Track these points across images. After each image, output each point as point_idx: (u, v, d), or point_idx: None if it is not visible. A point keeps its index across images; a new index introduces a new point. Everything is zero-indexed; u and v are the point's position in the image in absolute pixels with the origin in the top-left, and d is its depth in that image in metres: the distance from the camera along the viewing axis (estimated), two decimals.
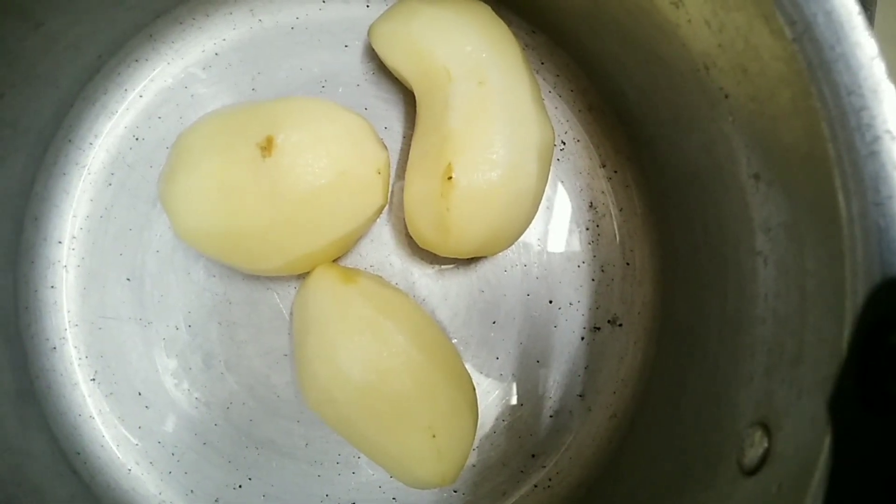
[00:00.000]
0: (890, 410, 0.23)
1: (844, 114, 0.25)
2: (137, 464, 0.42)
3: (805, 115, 0.26)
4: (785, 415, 0.28)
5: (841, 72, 0.25)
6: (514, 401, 0.42)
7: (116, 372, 0.42)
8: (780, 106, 0.28)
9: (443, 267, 0.43)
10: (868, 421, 0.23)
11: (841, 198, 0.25)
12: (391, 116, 0.43)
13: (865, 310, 0.24)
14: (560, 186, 0.43)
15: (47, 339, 0.42)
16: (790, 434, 0.27)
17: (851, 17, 0.25)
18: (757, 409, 0.30)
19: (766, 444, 0.29)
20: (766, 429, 0.29)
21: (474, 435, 0.39)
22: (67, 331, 0.42)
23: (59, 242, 0.42)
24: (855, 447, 0.24)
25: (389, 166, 0.40)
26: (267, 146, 0.36)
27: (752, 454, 0.29)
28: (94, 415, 0.42)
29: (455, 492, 0.42)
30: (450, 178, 0.36)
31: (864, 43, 0.24)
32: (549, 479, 0.42)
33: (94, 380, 0.42)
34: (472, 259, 0.42)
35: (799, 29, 0.26)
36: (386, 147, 0.40)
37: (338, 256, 0.41)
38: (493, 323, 0.43)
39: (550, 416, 0.42)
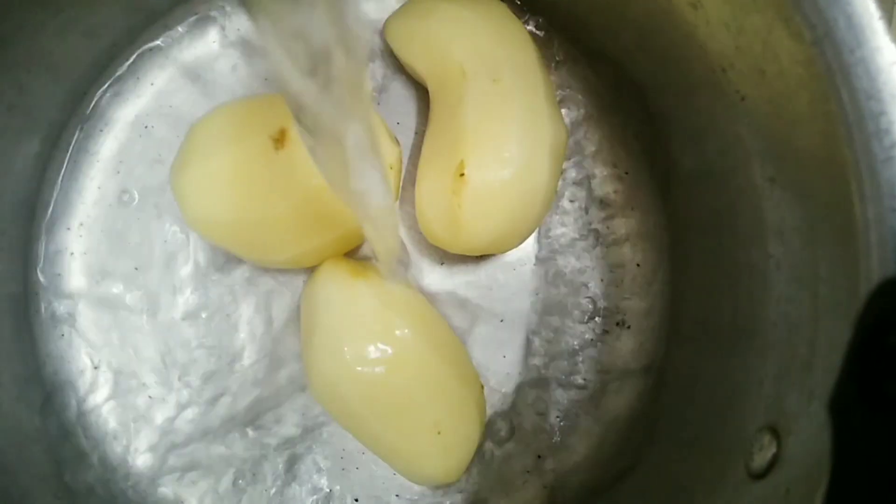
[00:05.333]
0: (890, 411, 0.23)
1: (863, 118, 0.25)
2: (139, 453, 0.42)
3: (823, 119, 0.26)
4: (795, 419, 0.28)
5: (860, 76, 0.25)
6: (519, 400, 0.42)
7: (121, 361, 0.42)
8: (798, 109, 0.28)
9: (452, 263, 0.43)
10: (868, 421, 0.23)
11: (857, 202, 0.25)
12: (404, 111, 0.43)
13: (865, 310, 0.24)
14: (571, 186, 0.43)
15: (54, 326, 0.42)
16: (800, 438, 0.27)
17: (872, 22, 0.25)
18: (766, 413, 0.30)
19: (774, 449, 0.28)
20: (776, 433, 0.29)
21: (480, 433, 0.39)
22: (74, 318, 0.42)
23: (68, 229, 0.42)
24: (855, 448, 0.24)
25: (402, 162, 0.40)
26: (280, 138, 0.36)
27: (761, 458, 0.29)
28: (99, 402, 0.42)
29: (459, 490, 0.42)
30: (462, 174, 0.36)
31: (884, 48, 0.24)
32: (554, 480, 0.42)
33: (97, 368, 0.42)
34: (482, 256, 0.42)
35: (819, 32, 0.25)
36: (398, 142, 0.40)
37: (348, 250, 0.41)
38: (501, 321, 0.42)
39: (557, 417, 0.42)
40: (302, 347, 0.40)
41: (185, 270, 0.42)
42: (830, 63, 0.25)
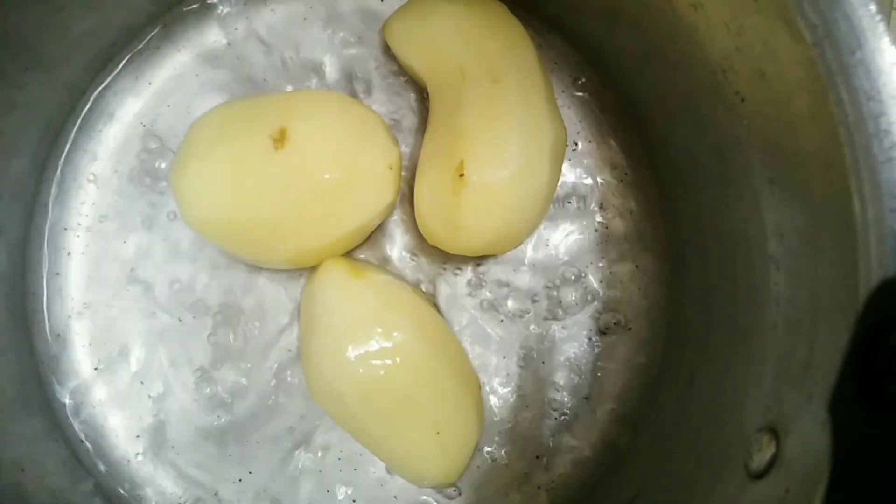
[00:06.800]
0: (890, 411, 0.23)
1: (862, 119, 0.25)
2: (138, 453, 0.41)
3: (822, 120, 0.26)
4: (794, 420, 0.28)
5: (860, 77, 0.25)
6: (518, 401, 0.42)
7: (120, 361, 0.42)
8: (798, 110, 0.28)
9: (452, 264, 0.43)
10: (868, 421, 0.23)
11: (856, 203, 0.25)
12: (403, 112, 0.43)
13: (865, 310, 0.24)
14: (571, 187, 0.43)
15: (52, 326, 0.42)
16: (799, 439, 0.27)
17: (872, 23, 0.25)
18: (765, 413, 0.30)
19: (774, 449, 0.28)
20: (775, 433, 0.29)
21: (479, 433, 0.39)
22: (72, 318, 0.42)
23: (66, 229, 0.42)
24: (855, 448, 0.24)
25: (401, 162, 0.40)
26: (280, 138, 0.36)
27: (760, 458, 0.29)
28: (97, 403, 0.42)
29: (457, 490, 0.42)
30: (461, 175, 0.36)
31: (884, 49, 0.24)
32: (553, 481, 0.42)
33: (97, 369, 0.42)
34: (482, 257, 0.42)
35: (819, 33, 0.26)
36: (398, 142, 0.40)
37: (347, 250, 0.41)
38: (500, 322, 0.42)
39: (555, 419, 0.42)
40: (301, 347, 0.40)
41: (183, 270, 0.42)
42: (831, 64, 0.25)
